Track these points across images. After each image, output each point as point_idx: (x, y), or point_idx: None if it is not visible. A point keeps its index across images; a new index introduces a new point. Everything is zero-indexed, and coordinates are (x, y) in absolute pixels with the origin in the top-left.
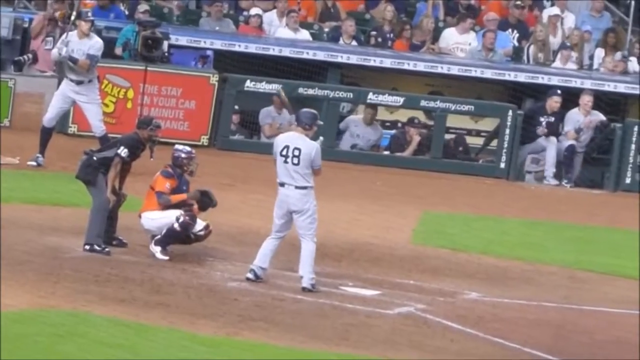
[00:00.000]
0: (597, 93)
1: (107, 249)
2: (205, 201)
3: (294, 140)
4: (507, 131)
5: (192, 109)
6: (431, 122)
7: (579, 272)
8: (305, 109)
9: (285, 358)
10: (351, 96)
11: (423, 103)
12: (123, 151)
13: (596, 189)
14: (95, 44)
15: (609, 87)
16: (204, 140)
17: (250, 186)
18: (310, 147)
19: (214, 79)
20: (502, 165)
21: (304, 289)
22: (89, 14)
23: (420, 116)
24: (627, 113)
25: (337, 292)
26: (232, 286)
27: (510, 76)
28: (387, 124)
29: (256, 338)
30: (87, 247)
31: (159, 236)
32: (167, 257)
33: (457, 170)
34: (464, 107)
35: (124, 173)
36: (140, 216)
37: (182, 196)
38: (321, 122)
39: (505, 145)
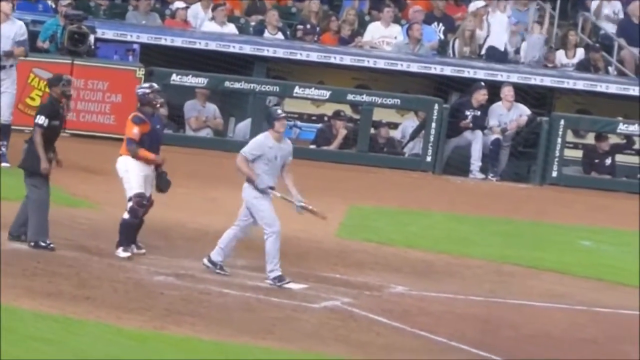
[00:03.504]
0: (523, 87)
1: (51, 245)
2: (163, 182)
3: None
4: (433, 125)
5: (119, 102)
6: (357, 116)
7: (505, 266)
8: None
9: (211, 352)
10: (277, 90)
11: (349, 97)
12: (40, 119)
13: (522, 183)
14: (20, 28)
15: (535, 80)
16: None
17: (176, 180)
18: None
19: (140, 72)
20: (428, 159)
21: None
22: None
23: (347, 110)
24: (553, 107)
25: (264, 285)
26: (158, 280)
27: (436, 70)
28: (314, 117)
29: (182, 332)
30: (32, 244)
31: (118, 239)
32: (128, 254)
33: (383, 164)
34: (390, 101)
35: (53, 137)
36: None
37: (150, 155)
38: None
39: (432, 139)
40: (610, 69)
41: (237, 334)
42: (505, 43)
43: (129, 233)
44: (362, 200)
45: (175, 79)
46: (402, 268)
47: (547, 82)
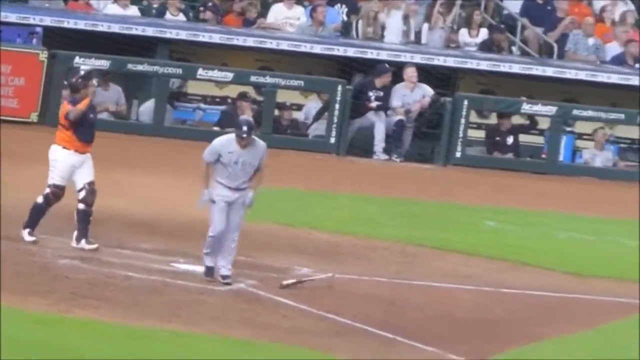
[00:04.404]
0: (427, 67)
1: None
2: None
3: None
4: (337, 106)
5: (22, 85)
6: (261, 98)
7: (410, 247)
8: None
9: (116, 335)
10: (180, 72)
11: (253, 78)
12: None
13: (426, 164)
14: None
15: (439, 61)
16: (34, 117)
17: None
18: None
19: (43, 55)
20: (332, 140)
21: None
22: None
23: (250, 92)
24: (456, 87)
25: (169, 269)
26: (63, 263)
27: (339, 51)
28: (217, 99)
29: (88, 315)
30: None
31: (26, 219)
32: (33, 238)
33: (287, 145)
34: (293, 83)
35: None
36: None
37: (86, 100)
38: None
39: (335, 120)
40: (514, 48)
41: (142, 317)
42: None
43: (37, 217)
44: (266, 182)
45: (78, 61)
46: (308, 250)
47: (451, 62)
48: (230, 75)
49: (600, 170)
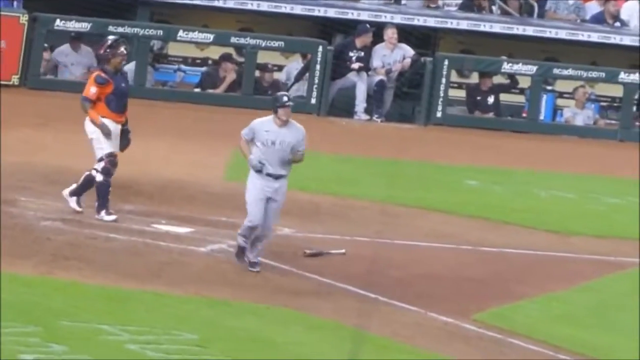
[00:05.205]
0: (407, 27)
1: None
2: (123, 142)
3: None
4: (318, 67)
5: (3, 48)
6: (242, 59)
7: (391, 207)
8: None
9: (98, 296)
10: (161, 33)
11: (233, 40)
12: None
13: (407, 123)
14: None
15: (419, 21)
16: (15, 79)
17: (63, 125)
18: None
19: (24, 18)
20: (313, 101)
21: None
22: None
23: (231, 53)
24: (437, 47)
25: (150, 230)
26: (45, 225)
27: (319, 12)
28: (198, 61)
29: (69, 277)
30: None
31: (74, 186)
32: (114, 217)
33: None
34: (274, 44)
35: None
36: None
37: (97, 120)
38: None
39: (316, 81)
40: (494, 8)
41: (124, 279)
42: None
43: (106, 194)
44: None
45: (59, 24)
46: (289, 210)
47: (431, 22)
48: (210, 37)
49: (580, 129)
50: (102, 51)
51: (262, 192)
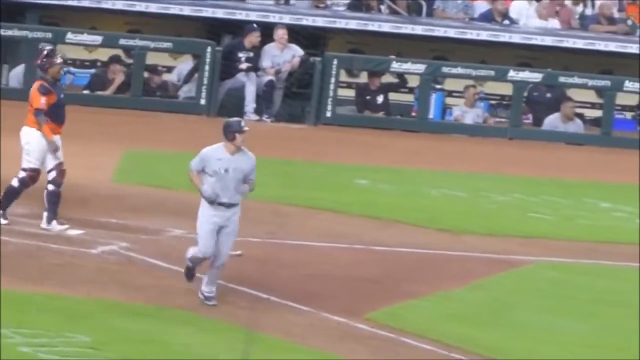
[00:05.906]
0: (296, 27)
1: None
2: None
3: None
4: (207, 68)
5: None
6: (130, 61)
7: (282, 207)
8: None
9: None
10: (50, 36)
11: (122, 41)
12: None
13: (297, 123)
14: None
15: (307, 21)
16: None
17: None
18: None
19: None
20: (203, 101)
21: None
22: None
23: (120, 55)
24: (326, 47)
25: (42, 232)
26: None
27: (208, 12)
28: (87, 63)
29: None
30: None
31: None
32: (6, 222)
33: (158, 107)
34: (163, 45)
35: None
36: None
37: (49, 136)
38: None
39: (205, 81)
40: (383, 7)
41: (17, 281)
42: None
43: (11, 200)
44: (138, 145)
45: None
46: (181, 211)
47: (320, 22)
48: (99, 39)
49: (470, 127)
50: (39, 61)
51: (214, 224)
